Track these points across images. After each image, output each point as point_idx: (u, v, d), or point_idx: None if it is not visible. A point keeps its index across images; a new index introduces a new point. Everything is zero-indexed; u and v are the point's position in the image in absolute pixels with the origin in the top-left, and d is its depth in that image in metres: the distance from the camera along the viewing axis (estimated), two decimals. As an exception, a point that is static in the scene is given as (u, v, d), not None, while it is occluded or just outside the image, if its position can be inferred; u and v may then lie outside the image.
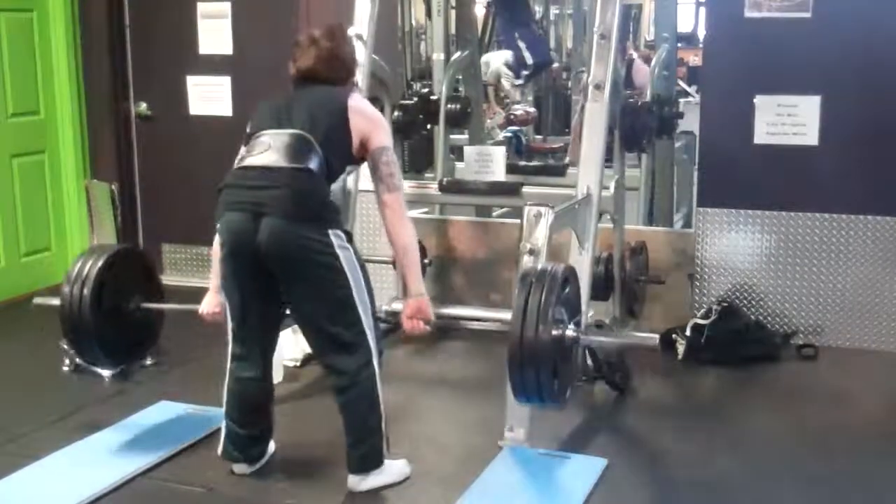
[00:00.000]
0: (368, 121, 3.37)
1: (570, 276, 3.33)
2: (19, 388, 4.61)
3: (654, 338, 3.37)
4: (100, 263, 3.74)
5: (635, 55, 8.96)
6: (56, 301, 3.80)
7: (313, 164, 3.23)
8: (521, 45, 7.44)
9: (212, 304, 3.63)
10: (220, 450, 3.55)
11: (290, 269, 3.23)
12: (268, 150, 3.25)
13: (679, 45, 7.30)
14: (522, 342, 3.13)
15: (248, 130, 3.42)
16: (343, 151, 3.33)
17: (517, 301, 3.19)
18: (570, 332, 3.24)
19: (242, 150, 3.40)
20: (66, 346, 4.51)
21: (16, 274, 6.07)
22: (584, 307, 3.69)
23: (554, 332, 3.16)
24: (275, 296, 3.32)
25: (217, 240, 3.40)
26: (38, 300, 4.06)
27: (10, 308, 5.90)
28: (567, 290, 3.28)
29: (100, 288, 3.71)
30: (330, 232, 3.21)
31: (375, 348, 3.34)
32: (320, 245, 3.19)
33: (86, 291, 3.69)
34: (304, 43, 3.47)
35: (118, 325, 3.82)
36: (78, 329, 3.73)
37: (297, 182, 3.20)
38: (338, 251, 3.21)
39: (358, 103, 3.40)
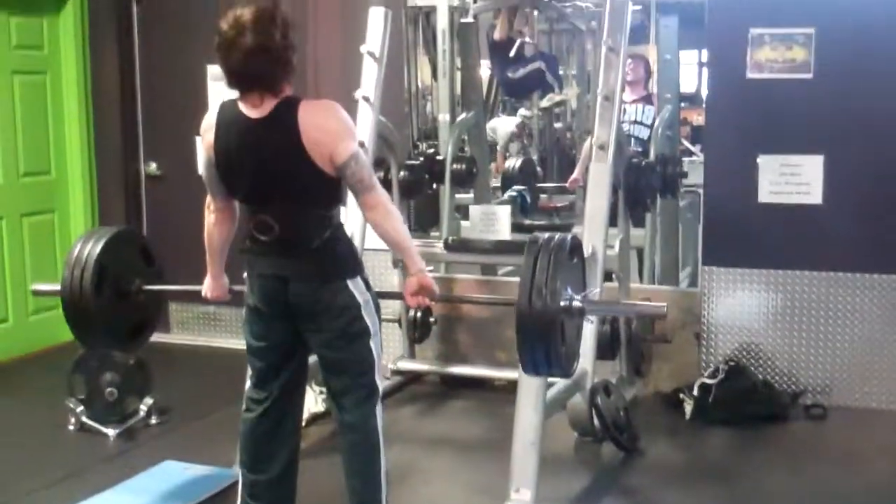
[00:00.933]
0: (323, 134, 3.07)
1: (577, 246, 3.32)
2: (24, 446, 4.60)
3: (662, 306, 3.31)
4: (99, 246, 3.64)
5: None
6: (56, 286, 3.70)
7: (320, 232, 3.18)
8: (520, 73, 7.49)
9: (213, 286, 3.56)
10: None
11: (314, 322, 3.24)
12: (275, 230, 3.17)
13: (683, 104, 7.36)
14: (530, 311, 3.09)
15: (222, 178, 3.24)
16: (326, 187, 3.15)
17: (524, 269, 3.16)
18: (576, 302, 3.20)
19: (211, 182, 3.28)
20: (71, 405, 4.53)
21: (24, 332, 6.09)
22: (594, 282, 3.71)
23: (561, 302, 3.12)
24: (299, 348, 3.34)
25: (208, 231, 3.40)
26: (36, 286, 3.96)
27: (19, 366, 5.92)
28: (573, 259, 3.27)
29: (100, 271, 3.61)
30: (349, 283, 3.20)
31: (381, 392, 3.34)
32: (343, 301, 3.19)
33: (86, 275, 3.58)
34: (228, 34, 3.10)
35: (120, 307, 3.72)
36: (79, 313, 3.61)
37: (312, 255, 3.19)
38: (359, 300, 3.21)
39: (306, 119, 3.07)
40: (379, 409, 3.33)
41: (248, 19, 3.08)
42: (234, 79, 3.15)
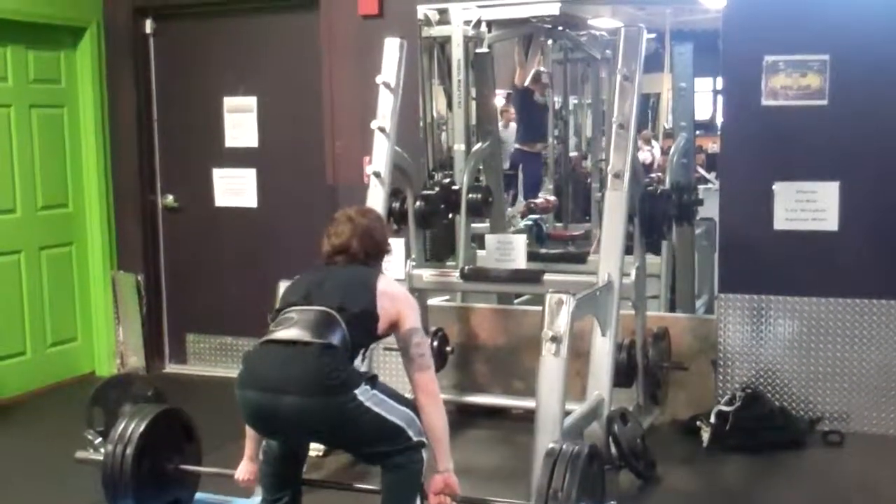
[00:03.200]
0: (398, 303, 3.42)
1: (594, 454, 3.36)
2: (42, 477, 4.63)
3: None
4: (143, 424, 3.81)
5: (653, 142, 9.08)
6: (98, 457, 3.87)
7: (336, 339, 3.25)
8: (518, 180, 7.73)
9: (247, 471, 3.67)
10: None
11: (323, 435, 3.42)
12: (293, 325, 3.28)
13: (697, 132, 7.36)
14: None
15: (276, 306, 3.50)
16: (368, 331, 3.37)
17: (540, 481, 3.22)
18: None
19: (271, 325, 3.44)
20: (90, 437, 4.54)
21: (42, 364, 6.12)
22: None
23: None
24: None
25: None
26: (80, 455, 4.09)
27: (36, 398, 5.95)
28: (591, 469, 3.30)
29: (142, 448, 3.77)
30: (355, 392, 3.25)
31: (424, 442, 3.39)
32: (347, 406, 3.23)
33: (128, 451, 3.75)
34: (339, 219, 3.59)
35: (156, 484, 3.86)
36: (117, 487, 3.77)
37: (319, 359, 3.22)
38: (366, 403, 3.26)
39: (387, 286, 3.45)
40: (425, 455, 3.39)
41: (356, 213, 3.64)
42: (335, 253, 3.55)
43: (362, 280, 3.43)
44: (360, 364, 3.36)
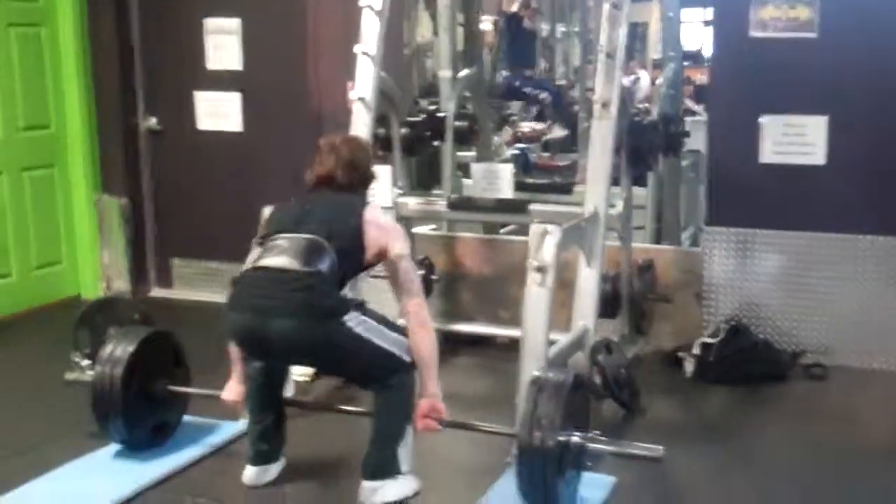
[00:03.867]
0: (384, 232, 3.46)
1: (579, 382, 3.39)
2: (29, 399, 4.64)
3: (658, 449, 3.35)
4: (132, 346, 3.84)
5: (640, 72, 9.02)
6: (88, 378, 3.90)
7: (324, 267, 3.31)
8: (528, 89, 7.67)
9: (234, 392, 3.72)
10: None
11: (314, 360, 3.52)
12: (283, 252, 3.33)
13: (686, 63, 7.32)
14: (531, 450, 3.18)
15: (261, 233, 3.54)
16: (357, 259, 3.43)
17: (525, 408, 3.26)
18: (576, 439, 3.29)
19: (257, 250, 3.49)
20: (76, 359, 4.54)
21: (27, 287, 6.10)
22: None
23: (560, 439, 3.20)
24: None
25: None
26: (69, 376, 4.13)
27: (22, 320, 5.95)
28: (575, 397, 3.33)
29: (130, 371, 3.79)
30: (344, 318, 3.30)
31: (409, 359, 3.44)
32: (338, 331, 3.29)
33: (117, 372, 3.77)
34: (323, 149, 3.61)
35: (145, 406, 3.88)
36: (107, 408, 3.80)
37: (309, 285, 3.28)
38: (356, 329, 3.32)
39: (373, 215, 3.49)
40: (416, 378, 3.45)
41: (342, 141, 3.68)
42: (321, 182, 3.57)
43: (349, 209, 3.46)
44: (347, 292, 3.40)
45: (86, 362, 4.59)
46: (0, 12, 5.88)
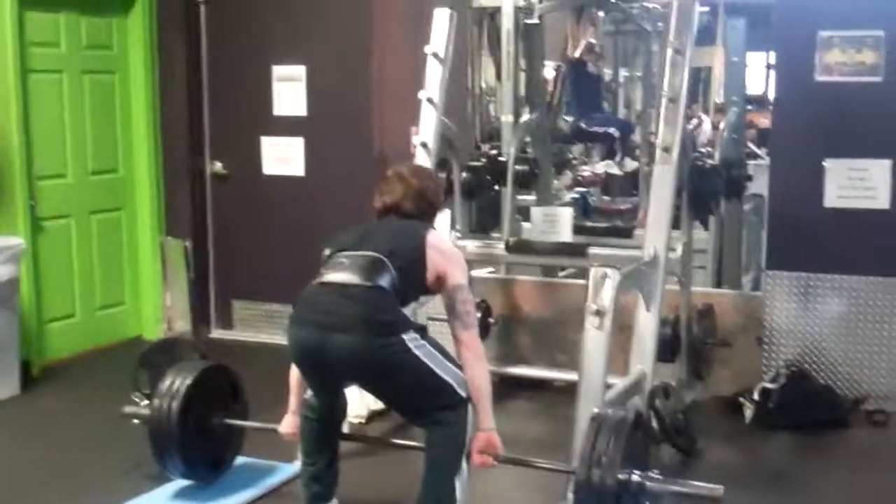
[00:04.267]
0: (446, 258, 3.44)
1: (639, 421, 3.34)
2: (89, 439, 4.70)
3: (719, 489, 3.25)
4: (189, 379, 3.86)
5: (703, 116, 8.98)
6: (145, 411, 3.93)
7: (385, 282, 3.30)
8: (596, 128, 7.70)
9: (290, 424, 3.71)
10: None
11: (370, 379, 3.40)
12: (344, 269, 3.34)
13: (749, 107, 7.29)
14: (588, 488, 3.13)
15: (325, 252, 3.51)
16: (417, 281, 3.40)
17: (584, 445, 3.21)
18: (635, 477, 3.22)
19: (322, 269, 3.48)
20: (136, 399, 4.61)
21: (91, 327, 6.21)
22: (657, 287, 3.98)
23: (620, 477, 3.14)
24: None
25: (294, 368, 3.57)
26: (127, 409, 4.18)
27: (84, 360, 6.04)
28: (635, 435, 3.28)
29: (188, 403, 3.82)
30: (404, 336, 3.28)
31: (464, 395, 3.38)
32: (396, 349, 3.26)
33: (174, 405, 3.79)
34: (391, 178, 3.61)
35: (201, 439, 3.91)
36: (163, 442, 3.83)
37: (370, 299, 3.27)
38: (415, 351, 3.28)
39: (437, 240, 3.49)
40: (468, 409, 3.38)
41: (409, 171, 3.69)
42: (388, 211, 3.58)
43: (413, 231, 3.47)
44: (409, 313, 3.39)
45: (145, 402, 4.67)
46: (76, 60, 6.05)
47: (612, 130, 8.03)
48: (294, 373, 3.58)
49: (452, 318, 3.43)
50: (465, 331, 3.41)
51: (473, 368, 3.39)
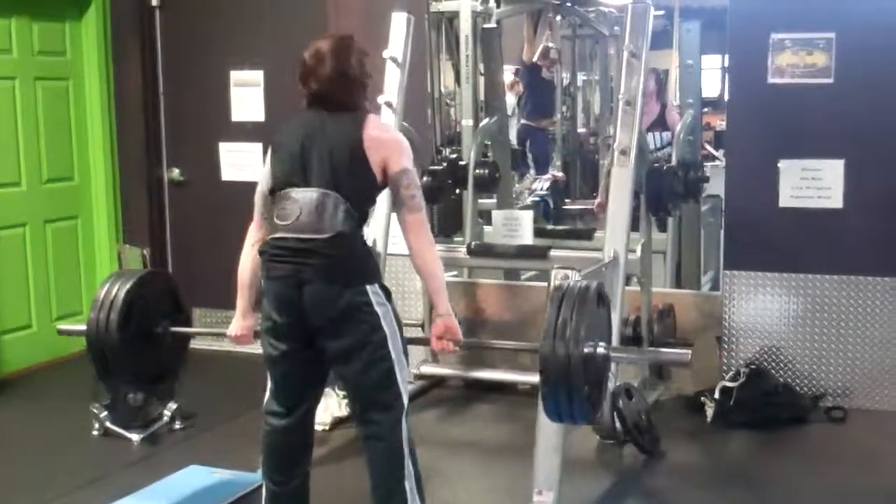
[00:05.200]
0: (385, 147, 3.27)
1: (602, 293, 3.31)
2: (49, 451, 4.65)
3: (687, 353, 3.28)
4: (127, 287, 3.61)
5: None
6: (81, 327, 3.66)
7: (345, 226, 3.22)
8: (528, 156, 7.79)
9: (240, 327, 3.59)
10: None
11: (332, 329, 3.25)
12: (298, 216, 3.23)
13: (705, 109, 7.36)
14: (554, 357, 3.06)
15: (272, 172, 3.37)
16: (368, 188, 3.29)
17: (549, 318, 3.13)
18: (600, 349, 3.18)
19: (263, 205, 3.41)
20: (95, 410, 4.57)
21: (48, 338, 6.12)
22: (615, 327, 3.75)
23: (585, 350, 3.08)
24: (318, 359, 3.35)
25: (243, 263, 3.51)
26: (61, 327, 3.96)
27: (42, 371, 5.97)
28: (599, 307, 3.27)
29: (127, 312, 3.57)
30: (368, 289, 3.22)
31: (407, 405, 3.34)
32: (360, 305, 3.20)
33: (113, 316, 3.54)
34: (310, 62, 3.34)
35: (146, 349, 3.68)
36: (105, 354, 3.57)
37: (332, 250, 3.20)
38: (377, 309, 3.23)
39: (373, 131, 3.28)
40: (405, 419, 3.32)
41: (328, 49, 3.34)
42: (317, 101, 3.35)
43: (347, 137, 3.26)
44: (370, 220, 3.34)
45: (104, 414, 4.63)
46: (28, 66, 5.98)
47: (531, 172, 8.12)
48: (243, 272, 3.49)
49: (397, 205, 3.29)
50: (411, 214, 3.26)
51: (424, 253, 3.28)
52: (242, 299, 3.55)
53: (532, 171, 8.19)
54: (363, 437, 3.37)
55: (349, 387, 3.38)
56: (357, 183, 3.26)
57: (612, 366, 4.16)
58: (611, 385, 4.15)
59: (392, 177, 3.25)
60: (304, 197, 3.26)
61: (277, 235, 3.28)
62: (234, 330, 3.58)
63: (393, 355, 3.27)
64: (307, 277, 3.20)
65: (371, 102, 3.52)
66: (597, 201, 6.61)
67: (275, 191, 3.36)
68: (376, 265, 3.40)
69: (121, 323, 3.54)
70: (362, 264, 3.29)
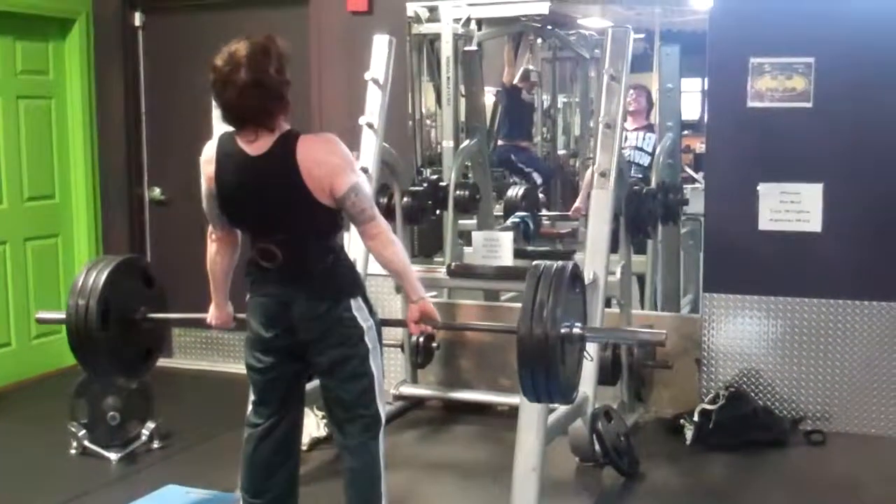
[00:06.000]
0: (324, 173, 3.11)
1: (578, 274, 3.31)
2: (26, 470, 4.62)
3: (662, 333, 3.29)
4: (105, 275, 3.61)
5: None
6: (60, 315, 3.67)
7: (326, 255, 3.23)
8: (522, 167, 7.75)
9: (218, 314, 3.58)
10: None
11: (318, 344, 3.25)
12: (278, 259, 3.20)
13: (685, 132, 7.38)
14: (531, 337, 3.08)
15: (219, 204, 3.29)
16: (325, 218, 3.21)
17: (525, 295, 3.15)
18: (576, 329, 3.20)
19: (211, 211, 3.35)
20: (73, 429, 4.55)
21: (26, 356, 6.11)
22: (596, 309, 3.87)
23: (562, 329, 3.10)
24: (302, 372, 3.37)
25: (211, 259, 3.46)
26: (40, 314, 3.95)
27: (21, 390, 5.94)
28: (575, 288, 3.27)
29: (105, 299, 3.58)
30: (353, 304, 3.23)
31: (384, 420, 3.35)
32: (346, 320, 3.22)
33: (91, 303, 3.54)
34: (222, 70, 3.13)
35: (125, 335, 3.70)
36: (85, 341, 3.58)
37: (312, 275, 3.22)
38: (362, 324, 3.25)
39: (305, 155, 3.11)
40: (381, 437, 3.34)
41: (243, 55, 3.11)
42: (229, 115, 3.17)
43: (284, 177, 3.12)
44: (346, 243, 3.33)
45: (83, 432, 4.61)
46: (11, 85, 5.98)
47: (535, 175, 8.09)
48: (213, 266, 3.46)
49: (352, 221, 3.21)
50: (368, 223, 3.19)
51: (386, 250, 3.22)
52: (217, 291, 3.53)
53: (538, 180, 8.11)
54: (341, 448, 3.38)
55: (329, 399, 3.36)
56: (312, 219, 3.19)
57: (591, 387, 4.23)
58: (590, 409, 4.20)
59: (338, 200, 3.14)
60: (276, 244, 3.21)
61: (264, 265, 3.26)
62: (214, 318, 3.58)
63: (374, 371, 3.30)
64: (294, 295, 3.21)
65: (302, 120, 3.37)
66: (574, 205, 6.65)
67: (243, 232, 3.37)
68: (360, 279, 3.42)
69: (100, 312, 3.54)
70: (346, 279, 3.30)
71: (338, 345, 3.24)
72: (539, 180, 7.96)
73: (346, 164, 3.18)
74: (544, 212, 7.88)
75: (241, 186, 3.21)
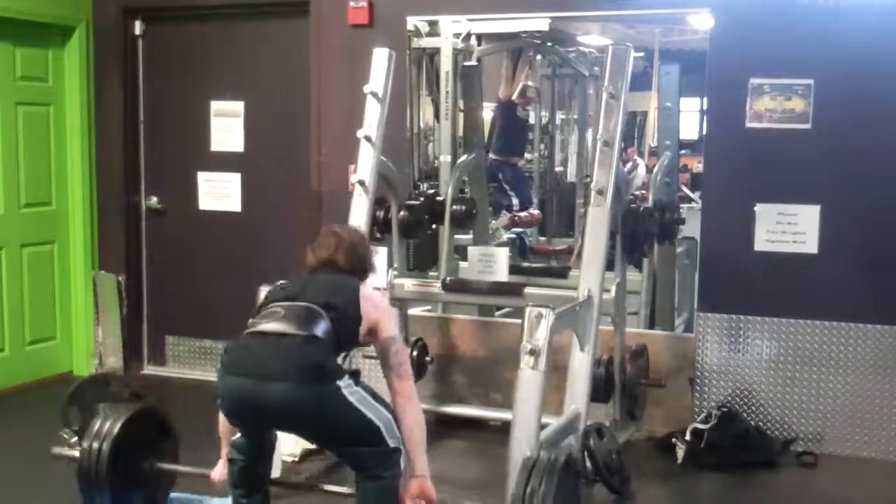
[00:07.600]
0: (379, 311, 3.52)
1: (571, 462, 3.36)
2: (18, 476, 4.61)
3: None
4: (120, 423, 3.81)
5: (640, 161, 9.11)
6: (74, 453, 3.85)
7: (320, 332, 3.31)
8: (506, 187, 7.78)
9: (222, 473, 3.69)
10: None
11: (304, 426, 3.39)
12: (279, 319, 3.33)
13: (683, 151, 7.41)
14: None
15: (258, 303, 3.55)
16: (351, 331, 3.43)
17: (516, 488, 3.23)
18: None
19: (252, 320, 3.46)
20: (66, 436, 4.53)
21: (20, 362, 6.10)
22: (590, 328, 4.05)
23: None
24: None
25: (222, 418, 3.56)
26: (56, 450, 4.06)
27: (13, 396, 5.93)
28: (568, 477, 3.32)
29: (118, 446, 3.77)
30: (339, 383, 3.28)
31: (400, 446, 3.39)
32: (330, 396, 3.26)
33: (104, 448, 3.74)
34: (324, 233, 3.71)
35: (132, 481, 3.86)
36: (93, 484, 3.76)
37: (305, 348, 3.27)
38: (347, 395, 3.28)
39: (370, 293, 3.57)
40: (402, 464, 3.40)
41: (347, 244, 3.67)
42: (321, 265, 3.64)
43: (347, 284, 3.52)
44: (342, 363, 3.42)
45: (74, 439, 4.59)
46: (10, 91, 5.98)
47: (515, 201, 8.10)
48: (223, 420, 3.56)
49: (386, 370, 3.48)
50: (399, 381, 3.46)
51: (407, 416, 3.42)
52: (225, 446, 3.65)
53: (515, 203, 8.13)
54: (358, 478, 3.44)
55: (341, 457, 3.55)
56: (346, 320, 3.40)
57: (584, 404, 4.22)
58: (582, 426, 4.19)
59: (382, 341, 3.47)
60: (290, 307, 3.37)
61: (251, 330, 3.37)
62: (219, 475, 3.71)
63: (371, 417, 3.33)
64: (273, 375, 3.23)
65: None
66: (573, 256, 6.62)
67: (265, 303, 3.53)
68: (343, 369, 3.44)
69: (110, 459, 3.74)
70: (330, 369, 3.32)
71: (324, 419, 3.30)
72: (515, 203, 7.97)
73: (396, 318, 3.73)
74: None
75: (302, 279, 3.65)
